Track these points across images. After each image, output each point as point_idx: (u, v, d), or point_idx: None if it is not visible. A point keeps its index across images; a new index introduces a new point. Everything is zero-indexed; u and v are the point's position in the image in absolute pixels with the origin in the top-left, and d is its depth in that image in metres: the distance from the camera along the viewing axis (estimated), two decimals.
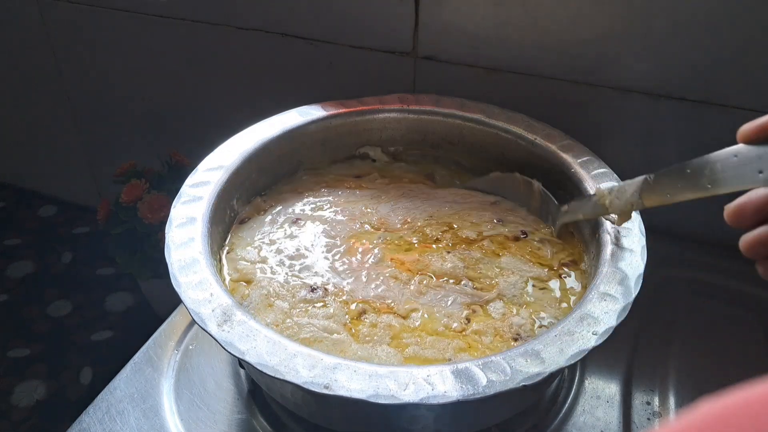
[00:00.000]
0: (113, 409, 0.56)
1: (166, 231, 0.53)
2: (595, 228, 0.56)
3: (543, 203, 0.63)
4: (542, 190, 0.63)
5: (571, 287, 0.56)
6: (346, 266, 0.58)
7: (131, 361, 0.60)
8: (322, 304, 0.54)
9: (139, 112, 1.11)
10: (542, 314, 0.54)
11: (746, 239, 0.34)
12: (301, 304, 0.54)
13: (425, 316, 0.53)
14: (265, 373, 0.41)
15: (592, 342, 0.44)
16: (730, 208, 0.34)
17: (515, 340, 0.51)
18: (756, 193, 0.34)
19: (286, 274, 0.57)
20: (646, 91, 0.72)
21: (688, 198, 0.41)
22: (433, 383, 0.41)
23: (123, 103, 1.11)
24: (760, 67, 0.67)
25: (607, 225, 0.55)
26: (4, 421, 1.05)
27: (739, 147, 0.36)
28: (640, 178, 0.48)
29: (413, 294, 0.55)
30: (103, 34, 1.03)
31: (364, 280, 0.56)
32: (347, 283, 0.56)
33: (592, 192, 0.58)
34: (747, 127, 0.35)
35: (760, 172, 0.34)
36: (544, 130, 0.67)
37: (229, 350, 0.43)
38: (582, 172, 0.61)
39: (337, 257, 0.59)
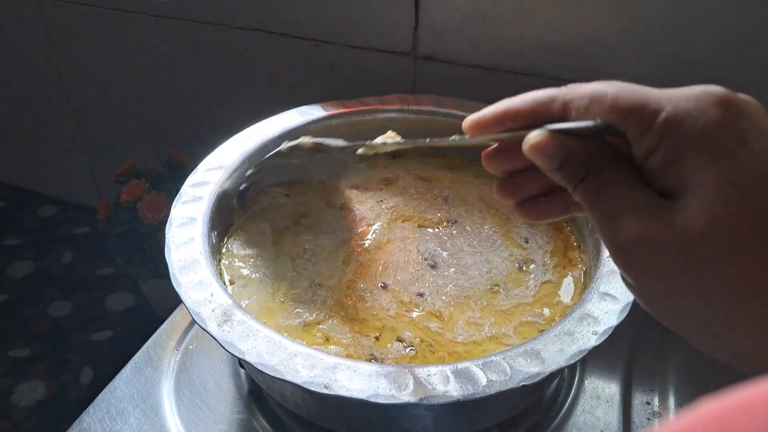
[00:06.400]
0: (113, 409, 0.56)
1: (166, 231, 0.53)
2: (594, 228, 0.56)
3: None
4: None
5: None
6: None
7: (131, 361, 0.60)
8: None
9: (139, 112, 1.11)
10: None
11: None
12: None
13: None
14: (265, 373, 0.42)
15: (592, 342, 0.44)
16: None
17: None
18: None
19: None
20: None
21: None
22: (432, 383, 0.41)
23: (123, 103, 1.11)
24: (759, 67, 0.66)
25: None
26: (4, 421, 1.05)
27: None
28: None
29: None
30: (103, 34, 1.03)
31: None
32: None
33: None
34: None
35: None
36: None
37: (229, 350, 0.43)
38: None
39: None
